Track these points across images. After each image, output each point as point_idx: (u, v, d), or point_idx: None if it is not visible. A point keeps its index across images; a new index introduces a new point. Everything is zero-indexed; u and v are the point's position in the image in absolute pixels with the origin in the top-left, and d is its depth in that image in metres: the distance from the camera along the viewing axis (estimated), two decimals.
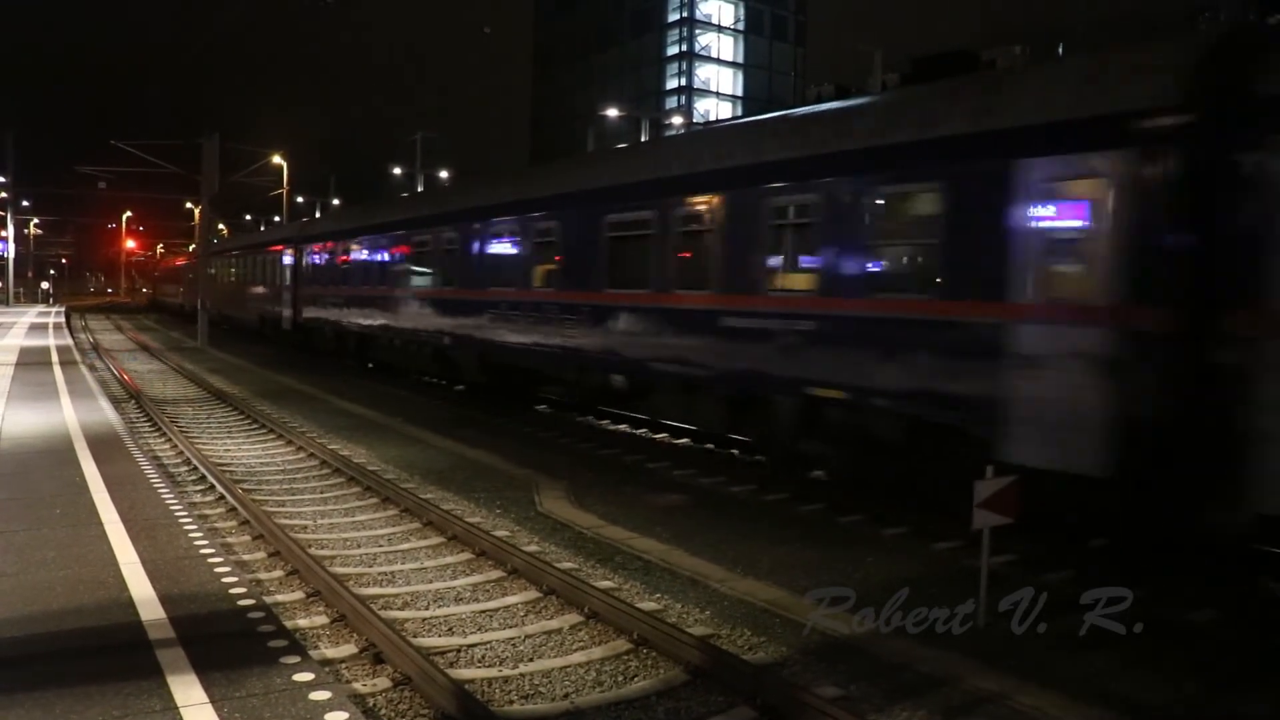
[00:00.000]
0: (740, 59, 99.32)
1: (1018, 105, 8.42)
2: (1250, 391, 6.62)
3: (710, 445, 15.77)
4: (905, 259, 9.82)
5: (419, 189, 46.36)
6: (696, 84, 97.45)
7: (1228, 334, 6.70)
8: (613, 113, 32.43)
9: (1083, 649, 7.23)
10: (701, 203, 12.40)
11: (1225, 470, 6.77)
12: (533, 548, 9.61)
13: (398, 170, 57.94)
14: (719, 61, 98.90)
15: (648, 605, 7.94)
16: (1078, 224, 7.77)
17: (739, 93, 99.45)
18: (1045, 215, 7.97)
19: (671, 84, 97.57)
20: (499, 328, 16.85)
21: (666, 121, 77.51)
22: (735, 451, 15.17)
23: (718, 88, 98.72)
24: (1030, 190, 8.11)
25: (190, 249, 54.08)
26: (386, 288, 23.37)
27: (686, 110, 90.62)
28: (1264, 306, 6.50)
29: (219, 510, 11.03)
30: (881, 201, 9.87)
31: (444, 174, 55.31)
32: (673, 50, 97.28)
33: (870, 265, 10.07)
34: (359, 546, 9.86)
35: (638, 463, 14.43)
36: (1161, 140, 7.11)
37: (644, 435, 16.92)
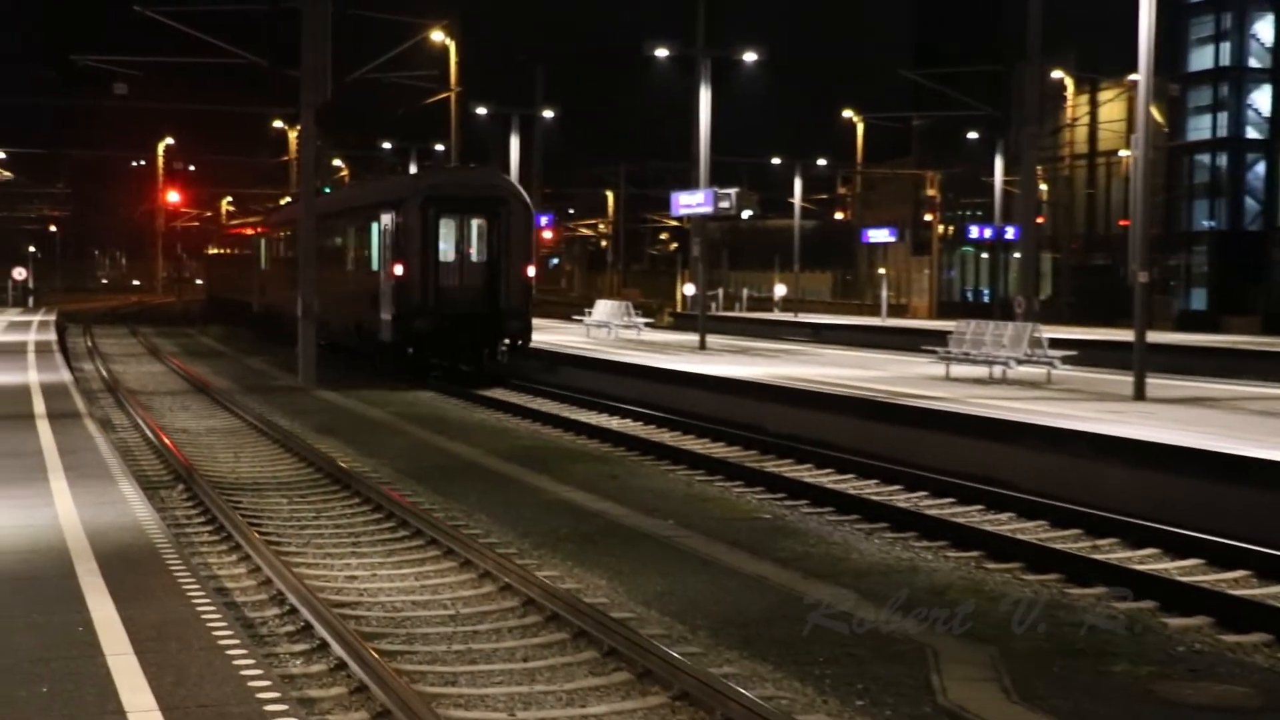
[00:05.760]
0: None
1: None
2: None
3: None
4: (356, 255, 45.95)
5: (703, 92, 46.02)
6: None
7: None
8: None
9: None
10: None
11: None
12: None
13: (662, 53, 57.98)
14: None
15: None
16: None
17: None
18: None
19: None
20: None
21: None
22: None
23: None
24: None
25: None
26: None
27: None
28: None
29: (336, 690, 11.18)
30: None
31: (750, 57, 54.68)
32: None
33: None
34: None
35: (1137, 614, 14.33)
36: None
37: (1146, 562, 16.96)
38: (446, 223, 39.17)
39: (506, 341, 39.13)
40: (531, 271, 40.60)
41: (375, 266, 40.57)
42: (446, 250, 39.36)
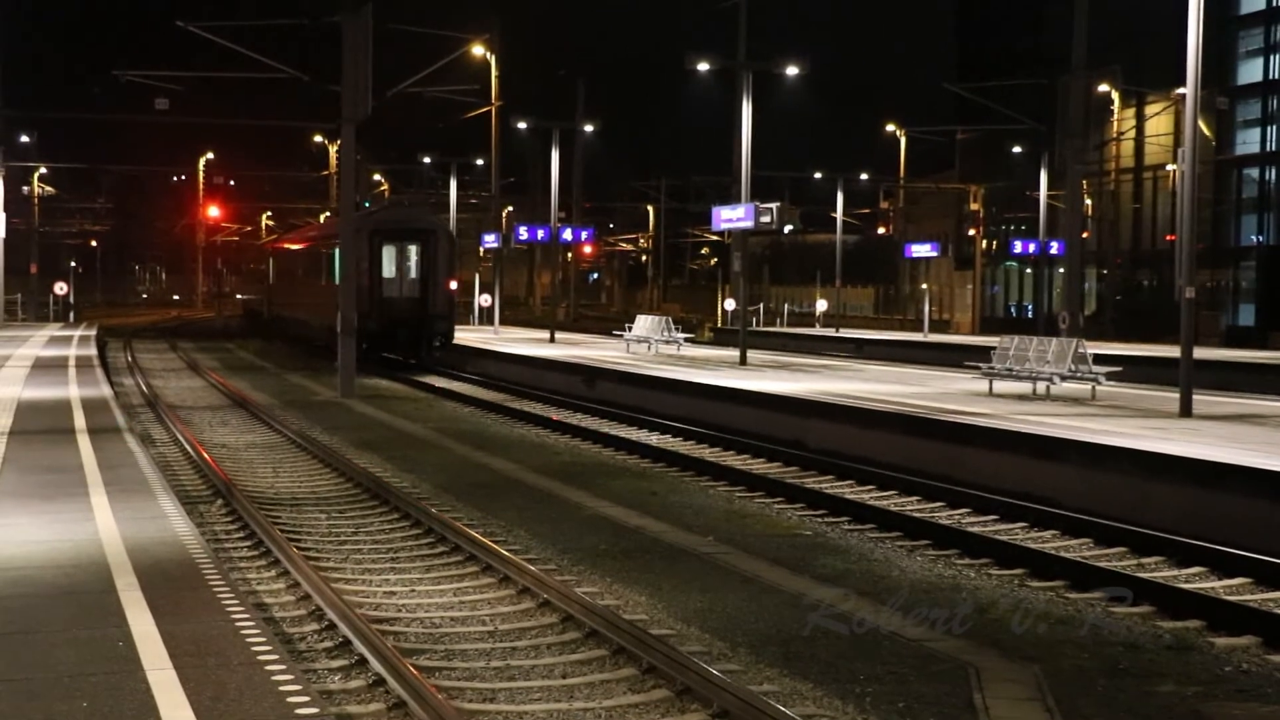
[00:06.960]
0: None
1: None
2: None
3: None
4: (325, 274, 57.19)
5: (744, 106, 45.78)
6: None
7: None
8: None
9: None
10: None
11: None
12: None
13: (703, 66, 57.78)
14: None
15: None
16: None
17: None
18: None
19: None
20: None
21: None
22: None
23: None
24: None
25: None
26: None
27: None
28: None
29: (374, 707, 11.13)
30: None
31: (792, 70, 54.26)
32: None
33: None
34: None
35: (1183, 634, 14.06)
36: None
37: (1192, 581, 16.76)
38: (388, 249, 51.84)
39: (438, 340, 52.33)
40: (454, 285, 54.68)
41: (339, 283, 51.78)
42: (389, 269, 51.89)
